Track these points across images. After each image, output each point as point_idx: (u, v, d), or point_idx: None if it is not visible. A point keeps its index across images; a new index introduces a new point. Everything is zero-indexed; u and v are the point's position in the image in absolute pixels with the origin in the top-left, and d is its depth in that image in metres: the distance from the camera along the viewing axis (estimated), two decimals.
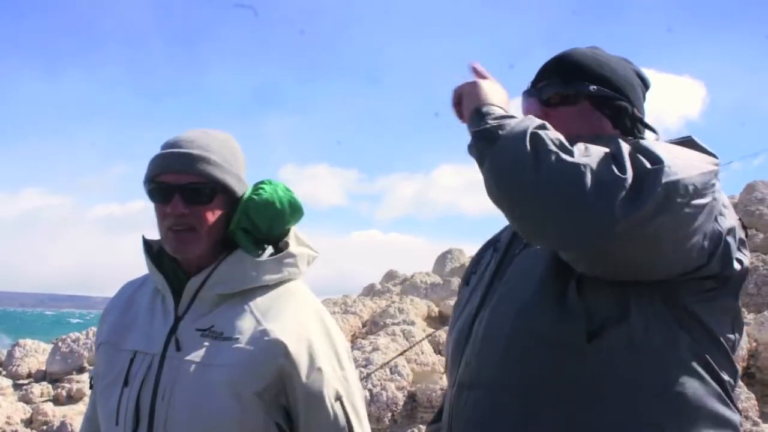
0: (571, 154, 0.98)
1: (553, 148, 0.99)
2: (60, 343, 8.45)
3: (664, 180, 0.94)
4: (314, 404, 1.38)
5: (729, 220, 1.06)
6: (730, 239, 1.05)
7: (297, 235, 1.52)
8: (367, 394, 5.85)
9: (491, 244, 1.41)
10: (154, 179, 1.41)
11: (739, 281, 1.11)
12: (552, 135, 1.02)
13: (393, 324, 7.64)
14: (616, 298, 1.05)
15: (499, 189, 1.04)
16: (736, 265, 1.07)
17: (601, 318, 1.05)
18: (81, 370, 7.98)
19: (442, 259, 13.30)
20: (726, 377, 1.09)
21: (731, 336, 1.11)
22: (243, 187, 1.47)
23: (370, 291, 12.16)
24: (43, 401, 7.17)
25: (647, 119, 1.33)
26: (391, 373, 6.07)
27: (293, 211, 1.47)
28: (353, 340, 8.18)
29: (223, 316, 1.40)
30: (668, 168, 0.96)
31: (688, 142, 1.15)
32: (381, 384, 5.93)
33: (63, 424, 6.24)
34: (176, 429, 1.33)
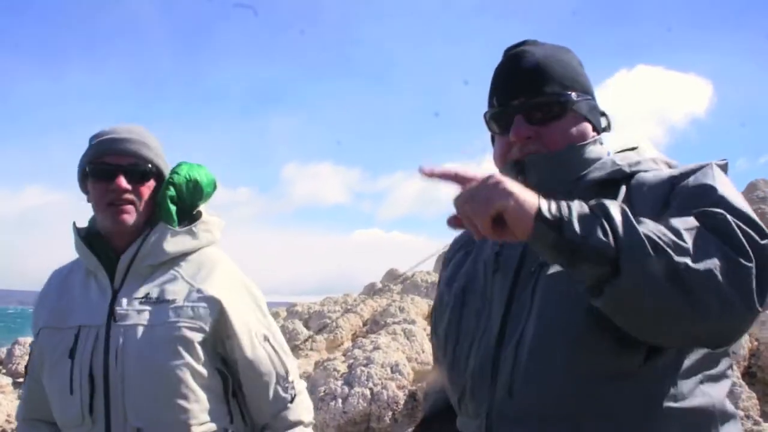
0: (689, 253, 0.90)
1: (678, 257, 0.89)
2: None
3: None
4: (249, 347, 1.62)
5: None
6: None
7: (207, 210, 1.75)
8: (368, 393, 5.84)
9: (465, 247, 1.37)
10: (96, 160, 1.59)
11: None
12: (662, 235, 0.91)
13: (394, 323, 7.63)
14: None
15: (627, 318, 0.95)
16: None
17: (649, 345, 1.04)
18: None
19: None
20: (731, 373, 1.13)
21: None
22: (168, 170, 1.69)
23: (370, 290, 12.16)
24: None
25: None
26: (392, 372, 6.06)
27: (209, 181, 1.70)
28: (354, 339, 8.17)
29: (156, 283, 1.60)
30: None
31: (726, 167, 1.13)
32: (382, 383, 5.91)
33: None
34: (133, 384, 1.51)
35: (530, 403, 1.09)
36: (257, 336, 1.65)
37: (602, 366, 1.05)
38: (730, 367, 1.13)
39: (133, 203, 1.59)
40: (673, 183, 1.10)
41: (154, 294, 1.58)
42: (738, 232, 0.93)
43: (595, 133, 1.26)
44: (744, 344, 5.83)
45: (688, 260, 0.89)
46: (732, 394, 4.91)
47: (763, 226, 0.96)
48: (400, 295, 9.77)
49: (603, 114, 1.29)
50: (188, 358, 1.54)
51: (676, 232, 0.92)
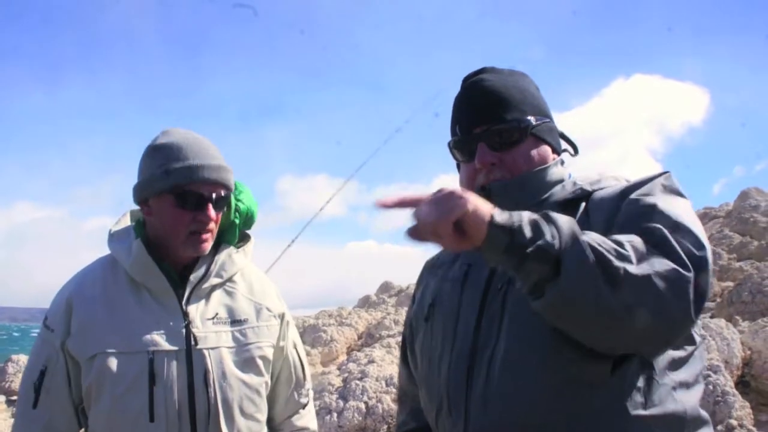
0: (630, 260, 0.95)
1: (618, 262, 0.93)
2: None
3: (710, 261, 0.98)
4: (287, 351, 1.72)
5: None
6: None
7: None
8: (363, 406, 5.83)
9: (434, 270, 1.40)
10: (186, 187, 1.50)
11: None
12: (603, 243, 0.95)
13: (388, 336, 7.63)
14: None
15: (567, 321, 0.98)
16: None
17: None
18: None
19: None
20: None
21: None
22: None
23: (365, 303, 12.15)
24: None
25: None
26: (387, 385, 6.05)
27: (256, 211, 1.75)
28: (348, 352, 8.15)
29: (218, 302, 1.60)
30: (708, 250, 0.99)
31: (666, 177, 1.16)
32: (377, 396, 5.91)
33: None
34: (228, 406, 1.51)
35: (505, 416, 1.12)
36: (293, 342, 1.75)
37: (573, 375, 1.07)
38: (701, 373, 1.16)
39: (212, 231, 1.56)
40: (624, 195, 1.14)
41: (223, 314, 1.58)
42: (676, 245, 0.98)
43: (555, 155, 1.31)
44: (737, 353, 5.86)
45: (627, 266, 0.94)
46: (725, 404, 4.92)
47: (702, 239, 1.01)
48: (394, 308, 9.77)
49: (563, 136, 1.34)
50: (266, 376, 1.63)
51: (618, 242, 0.97)
